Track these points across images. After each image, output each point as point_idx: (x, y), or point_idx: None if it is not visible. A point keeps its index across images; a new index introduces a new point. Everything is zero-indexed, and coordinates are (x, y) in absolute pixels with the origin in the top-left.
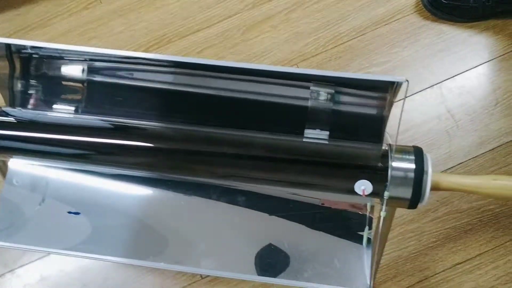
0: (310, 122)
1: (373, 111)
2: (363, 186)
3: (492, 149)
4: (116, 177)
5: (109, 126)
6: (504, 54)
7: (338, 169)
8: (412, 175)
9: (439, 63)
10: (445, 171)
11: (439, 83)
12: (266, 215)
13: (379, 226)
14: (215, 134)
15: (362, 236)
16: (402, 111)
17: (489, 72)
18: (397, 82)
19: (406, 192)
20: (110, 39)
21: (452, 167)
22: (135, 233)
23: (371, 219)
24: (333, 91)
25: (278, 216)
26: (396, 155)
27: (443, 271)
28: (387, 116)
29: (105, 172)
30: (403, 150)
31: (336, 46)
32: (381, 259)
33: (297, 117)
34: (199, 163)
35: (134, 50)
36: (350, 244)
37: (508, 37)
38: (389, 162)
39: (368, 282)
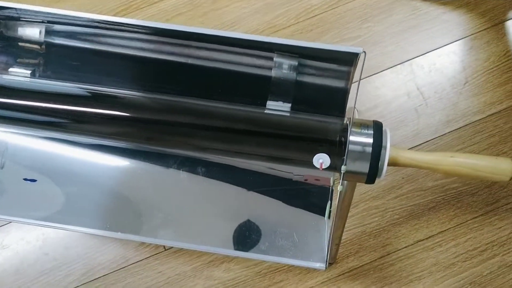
0: (272, 93)
1: (336, 84)
2: (321, 160)
3: (459, 127)
4: (82, 144)
5: (68, 91)
6: (475, 33)
7: (297, 142)
8: (369, 149)
9: (410, 40)
10: (412, 148)
11: (410, 60)
12: (242, 189)
13: (339, 200)
14: (174, 102)
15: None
16: (359, 83)
17: (460, 50)
18: (358, 54)
19: (364, 167)
20: (76, 2)
21: (419, 145)
22: (101, 203)
23: (333, 192)
24: (296, 62)
25: (252, 190)
26: (355, 129)
27: (405, 247)
28: (349, 89)
29: (67, 138)
30: (362, 124)
31: (307, 18)
32: (344, 234)
33: (261, 88)
34: (155, 132)
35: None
36: (313, 217)
37: (480, 16)
38: (348, 136)
39: (325, 256)
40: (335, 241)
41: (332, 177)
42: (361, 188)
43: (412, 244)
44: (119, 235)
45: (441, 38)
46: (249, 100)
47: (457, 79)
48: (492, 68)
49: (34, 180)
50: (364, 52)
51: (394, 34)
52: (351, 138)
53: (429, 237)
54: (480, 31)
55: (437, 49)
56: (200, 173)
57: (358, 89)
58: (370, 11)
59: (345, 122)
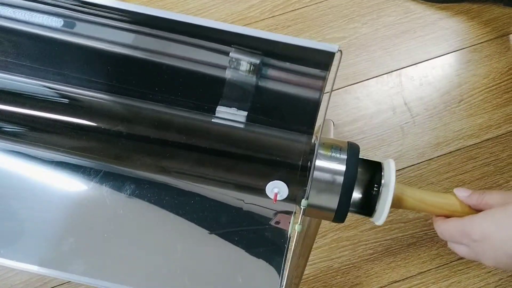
0: (226, 97)
1: (305, 92)
2: (276, 189)
3: (450, 152)
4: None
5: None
6: (475, 45)
7: (248, 163)
8: (340, 179)
9: (401, 47)
10: None
11: (399, 69)
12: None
13: (294, 240)
14: (98, 102)
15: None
16: (331, 90)
17: (457, 63)
18: (333, 54)
19: (332, 201)
20: None
21: (402, 169)
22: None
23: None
24: (258, 61)
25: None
26: (324, 152)
27: None
28: (321, 100)
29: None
30: (334, 146)
31: (285, 12)
32: (307, 268)
33: (212, 90)
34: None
35: None
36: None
37: (482, 25)
38: (313, 160)
39: None
40: (294, 281)
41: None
42: None
43: (386, 286)
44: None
45: (436, 47)
46: (201, 104)
47: (451, 96)
48: (491, 86)
49: None
50: (340, 51)
51: (384, 39)
52: (318, 163)
53: (406, 278)
54: (481, 42)
55: (431, 60)
56: (128, 192)
57: (330, 96)
58: (358, 10)
59: (312, 141)
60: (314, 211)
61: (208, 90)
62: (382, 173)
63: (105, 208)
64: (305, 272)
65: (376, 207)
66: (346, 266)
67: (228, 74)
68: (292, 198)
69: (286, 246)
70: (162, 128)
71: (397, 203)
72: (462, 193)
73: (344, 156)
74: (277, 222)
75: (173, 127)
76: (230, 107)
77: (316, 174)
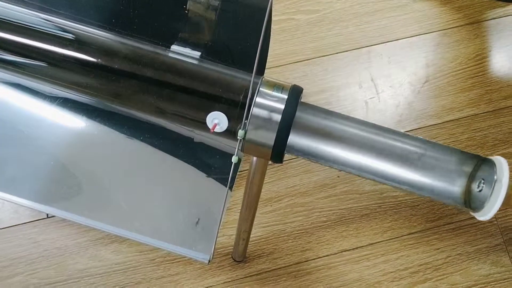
0: (182, 37)
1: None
2: (216, 120)
3: (410, 130)
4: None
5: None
6: (446, 29)
7: (192, 95)
8: (278, 117)
9: (373, 25)
10: None
11: (369, 46)
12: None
13: (247, 183)
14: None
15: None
16: (266, 28)
17: (426, 45)
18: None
19: (268, 138)
20: None
21: None
22: (43, 171)
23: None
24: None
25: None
26: (265, 90)
27: (326, 255)
28: (268, 42)
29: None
30: (277, 85)
31: None
32: (260, 230)
33: (170, 27)
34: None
35: None
36: (216, 189)
37: (454, 11)
38: (254, 96)
39: (212, 251)
40: (242, 235)
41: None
42: (289, 181)
43: (336, 254)
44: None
45: (407, 28)
46: (152, 41)
47: (417, 76)
48: (458, 70)
49: None
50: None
51: (357, 15)
52: (258, 99)
53: (357, 248)
54: (451, 27)
55: (401, 39)
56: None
57: (269, 34)
58: None
59: (260, 80)
60: (252, 147)
61: (164, 26)
62: (495, 169)
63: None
64: (257, 234)
65: (485, 203)
66: (299, 231)
67: (189, 6)
68: (232, 130)
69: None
70: (112, 55)
71: (507, 201)
72: None
73: (285, 96)
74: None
75: (123, 55)
76: (185, 47)
77: (255, 110)
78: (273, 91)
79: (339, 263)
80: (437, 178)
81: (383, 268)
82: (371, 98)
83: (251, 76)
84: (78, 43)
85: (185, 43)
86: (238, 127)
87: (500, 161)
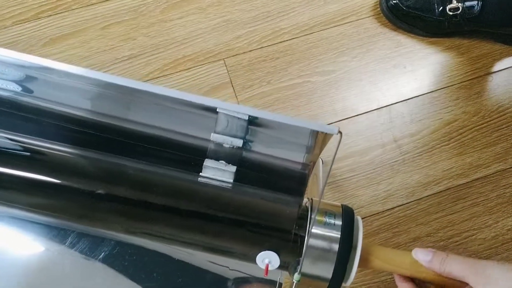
0: (213, 153)
1: (294, 157)
2: (267, 260)
3: (439, 192)
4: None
5: None
6: (465, 81)
7: (236, 230)
8: (336, 248)
9: (391, 81)
10: (382, 212)
11: (388, 105)
12: None
13: None
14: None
15: None
16: (331, 168)
17: (446, 99)
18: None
19: (326, 271)
20: None
21: (391, 209)
22: None
23: None
24: (241, 143)
25: None
26: (318, 218)
27: None
28: (312, 165)
29: None
30: (328, 212)
31: (274, 44)
32: None
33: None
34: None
35: (19, 13)
36: None
37: (472, 61)
38: (308, 228)
39: None
40: None
41: (278, 276)
42: None
43: None
44: None
45: (426, 83)
46: (183, 158)
47: (441, 133)
48: (481, 124)
49: None
50: (340, 132)
51: (374, 73)
52: (314, 230)
53: None
54: (470, 79)
55: (421, 96)
56: (100, 256)
57: (330, 172)
58: (348, 43)
59: (304, 204)
60: (306, 281)
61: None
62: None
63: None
64: None
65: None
66: None
67: (212, 140)
68: (284, 266)
69: None
70: (144, 190)
71: (364, 264)
72: (423, 256)
73: (339, 223)
74: None
75: (156, 188)
76: (218, 160)
77: (311, 242)
78: (325, 217)
79: None
80: None
81: None
82: (395, 160)
83: (298, 200)
84: (109, 178)
85: (218, 157)
86: (292, 266)
87: (358, 223)
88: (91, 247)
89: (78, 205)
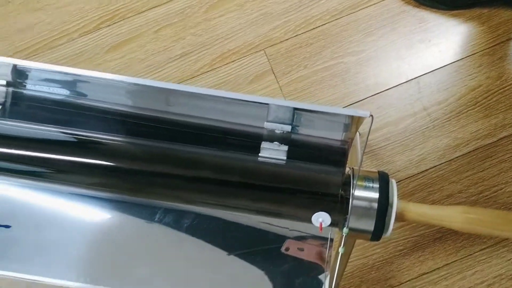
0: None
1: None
2: (321, 219)
3: (468, 152)
4: (62, 193)
5: (42, 135)
6: (487, 48)
7: (294, 198)
8: (375, 205)
9: (417, 55)
10: (417, 175)
11: (416, 77)
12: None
13: (336, 261)
14: (157, 149)
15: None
16: (365, 146)
17: (470, 67)
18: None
19: (368, 224)
20: (56, 11)
21: (425, 170)
22: (80, 255)
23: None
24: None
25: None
26: (359, 183)
27: (408, 280)
28: (350, 145)
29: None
30: (366, 177)
31: (307, 31)
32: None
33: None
34: (139, 183)
35: (83, 26)
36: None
37: (493, 29)
38: (351, 191)
39: None
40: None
41: (329, 232)
42: None
43: (416, 278)
44: None
45: (451, 53)
46: (243, 144)
47: (466, 99)
48: (504, 87)
49: (8, 226)
50: (372, 116)
51: (400, 49)
52: (356, 193)
53: (434, 270)
54: (491, 46)
55: (446, 66)
56: (184, 227)
57: (365, 146)
58: (375, 23)
59: (347, 172)
60: (353, 234)
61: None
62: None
63: (130, 234)
64: None
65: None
66: (380, 262)
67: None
68: (334, 223)
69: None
70: (222, 172)
71: (400, 218)
72: None
73: (377, 185)
74: (287, 249)
75: (229, 169)
76: (272, 141)
77: (355, 202)
78: (364, 182)
79: (420, 286)
80: None
81: (461, 285)
82: (426, 127)
83: (341, 170)
84: (183, 162)
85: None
86: (341, 223)
87: (392, 185)
88: (176, 220)
89: (173, 185)
